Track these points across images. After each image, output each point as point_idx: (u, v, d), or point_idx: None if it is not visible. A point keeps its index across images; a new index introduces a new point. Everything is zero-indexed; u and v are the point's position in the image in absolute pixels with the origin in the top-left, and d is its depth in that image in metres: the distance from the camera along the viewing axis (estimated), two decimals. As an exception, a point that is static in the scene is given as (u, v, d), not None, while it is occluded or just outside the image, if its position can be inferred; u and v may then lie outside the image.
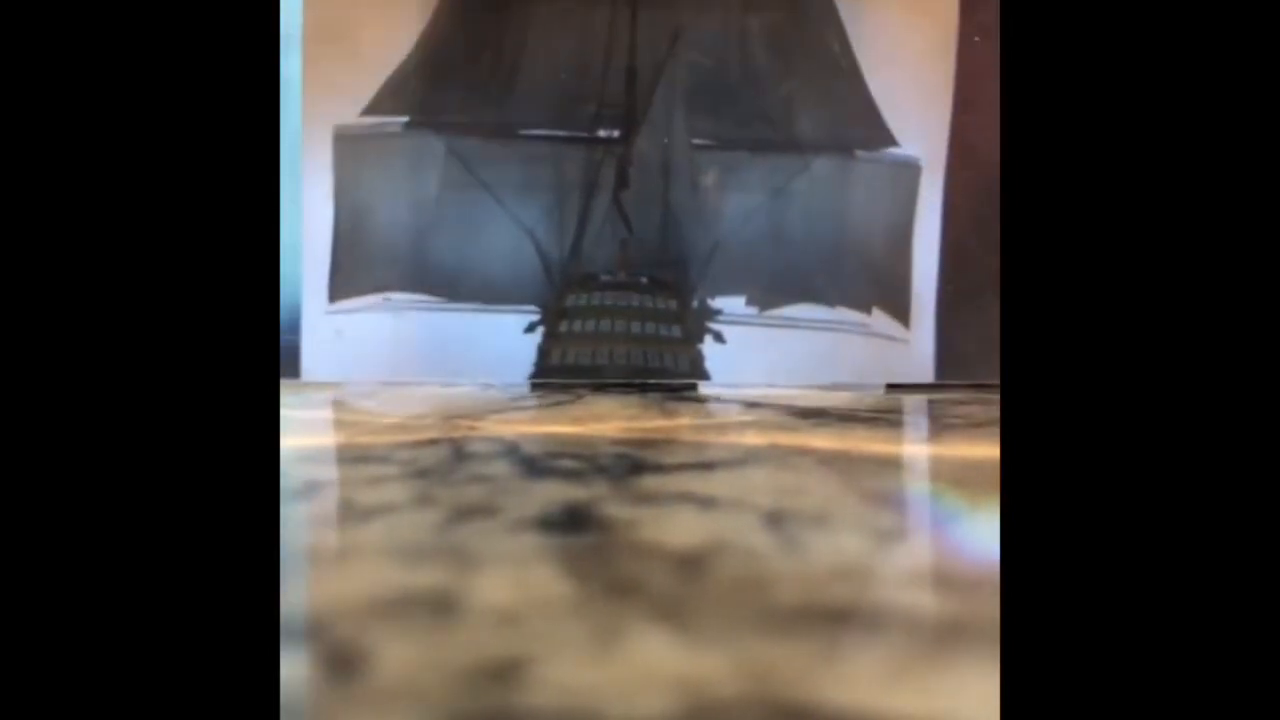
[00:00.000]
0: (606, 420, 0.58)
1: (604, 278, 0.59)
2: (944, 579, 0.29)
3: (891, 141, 0.63)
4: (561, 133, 0.58)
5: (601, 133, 0.58)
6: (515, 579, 0.28)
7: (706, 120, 0.59)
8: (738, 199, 0.60)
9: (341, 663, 0.22)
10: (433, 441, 0.50)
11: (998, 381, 0.71)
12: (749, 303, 0.62)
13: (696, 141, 0.58)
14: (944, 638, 0.24)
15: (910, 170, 0.63)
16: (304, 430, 0.54)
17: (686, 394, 0.72)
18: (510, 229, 0.60)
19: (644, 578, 0.29)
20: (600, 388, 0.72)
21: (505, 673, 0.22)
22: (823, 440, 0.52)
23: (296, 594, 0.27)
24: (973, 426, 0.57)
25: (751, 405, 0.65)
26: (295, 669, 0.22)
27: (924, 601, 0.27)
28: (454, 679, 0.22)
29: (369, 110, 0.57)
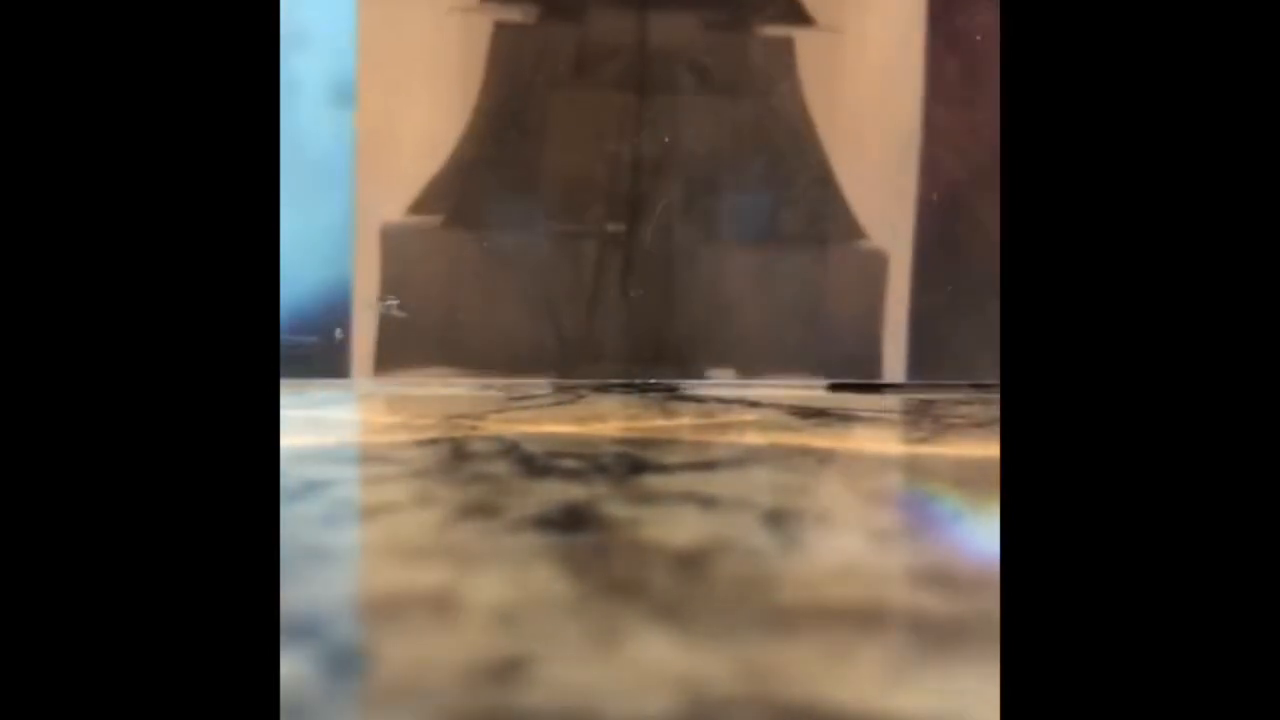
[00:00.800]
0: (608, 420, 0.58)
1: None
2: (943, 578, 0.30)
3: (861, 235, 0.67)
4: (576, 227, 0.63)
5: (610, 226, 0.63)
6: (515, 578, 0.28)
7: (700, 213, 0.63)
8: (730, 283, 0.64)
9: (341, 660, 0.23)
10: (433, 441, 0.51)
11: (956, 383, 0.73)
12: (738, 374, 0.67)
13: (693, 232, 0.63)
14: (943, 637, 0.24)
15: (879, 259, 0.67)
16: (302, 430, 0.54)
17: (687, 394, 0.72)
18: (532, 313, 0.65)
19: (645, 577, 0.29)
20: (602, 388, 0.73)
21: (505, 671, 0.22)
22: (823, 440, 0.53)
23: (295, 592, 0.27)
24: (975, 426, 0.57)
25: (752, 405, 0.66)
26: (294, 666, 0.22)
27: (923, 601, 0.27)
28: (454, 677, 0.22)
29: (412, 210, 0.64)
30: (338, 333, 0.73)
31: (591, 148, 0.62)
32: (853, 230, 0.66)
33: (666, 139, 0.61)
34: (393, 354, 0.69)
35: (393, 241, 0.65)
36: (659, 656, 0.23)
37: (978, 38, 0.61)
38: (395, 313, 0.71)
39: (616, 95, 0.59)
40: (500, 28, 0.57)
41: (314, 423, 0.57)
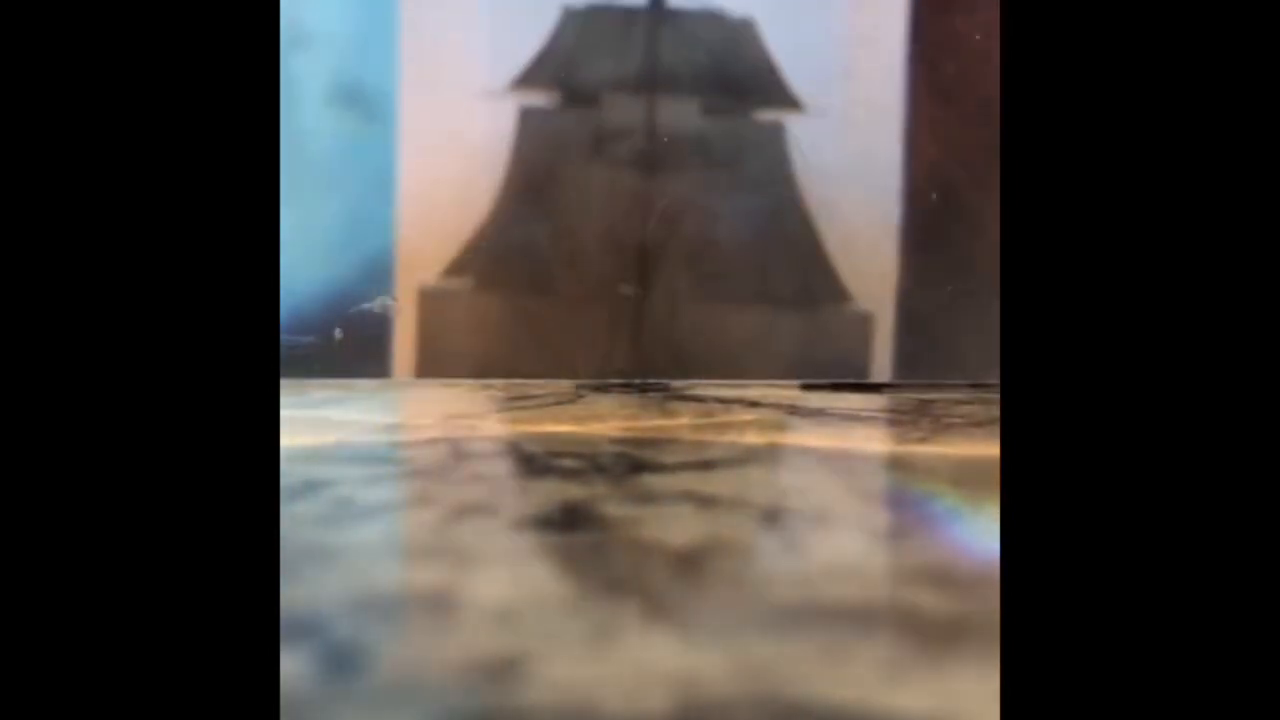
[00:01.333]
0: (606, 419, 0.58)
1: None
2: (940, 576, 0.30)
3: (847, 297, 0.70)
4: (592, 289, 0.68)
5: (623, 288, 0.67)
6: (512, 577, 0.28)
7: (701, 273, 0.66)
8: (728, 336, 0.68)
9: (339, 658, 0.23)
10: (431, 441, 0.51)
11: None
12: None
13: (694, 289, 0.66)
14: (940, 635, 0.24)
15: (865, 320, 0.69)
16: (300, 429, 0.54)
17: (686, 394, 0.72)
18: (553, 362, 0.69)
19: (642, 576, 0.29)
20: (600, 388, 0.73)
21: (502, 669, 0.22)
22: (822, 440, 0.53)
23: (293, 590, 0.27)
24: (974, 425, 0.57)
25: (751, 405, 0.66)
26: (292, 664, 0.22)
27: (920, 599, 0.27)
28: (451, 675, 0.22)
29: (447, 273, 0.69)
30: (337, 333, 0.74)
31: (606, 218, 0.66)
32: (840, 294, 0.70)
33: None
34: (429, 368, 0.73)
35: (430, 301, 0.70)
36: (655, 654, 0.23)
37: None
38: (391, 313, 0.74)
39: (628, 172, 0.64)
40: (525, 112, 0.62)
41: (317, 422, 0.57)
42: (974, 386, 0.72)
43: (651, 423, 0.57)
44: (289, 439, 0.47)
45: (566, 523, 0.35)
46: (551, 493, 0.39)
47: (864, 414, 0.61)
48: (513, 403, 0.65)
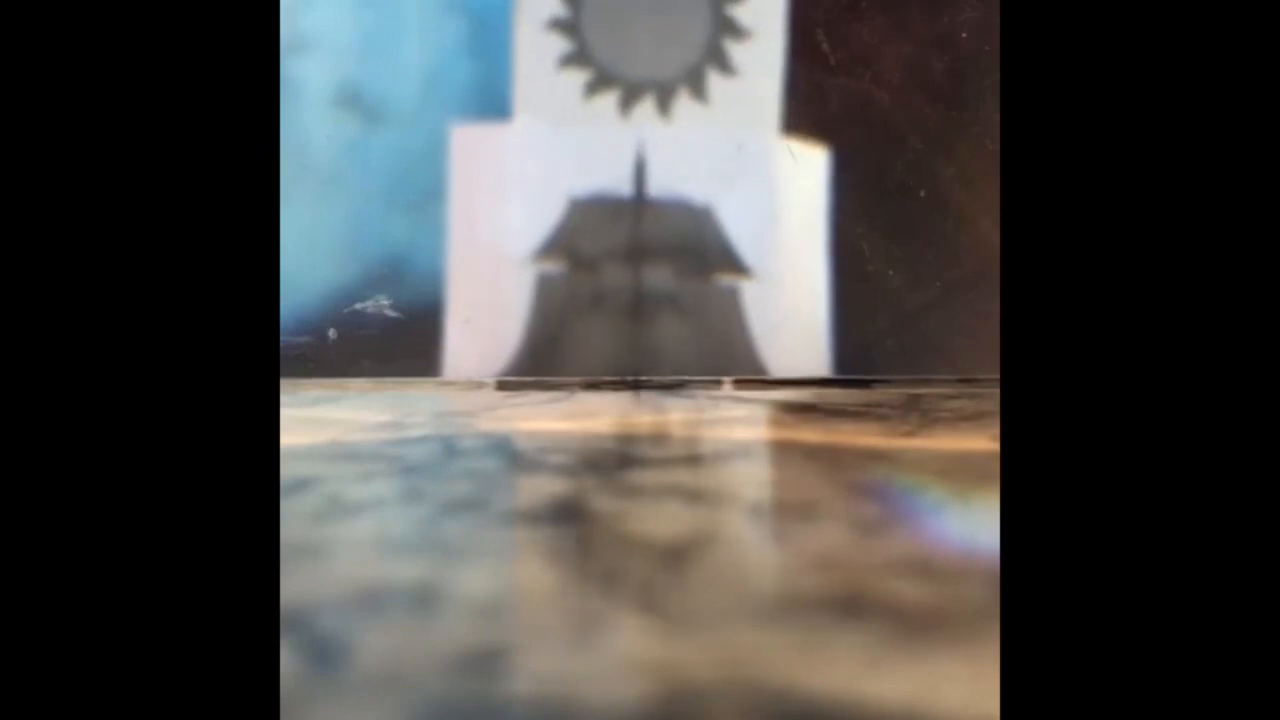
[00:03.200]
0: (598, 416, 0.58)
1: None
2: (923, 567, 0.30)
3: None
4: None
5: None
6: (501, 569, 0.28)
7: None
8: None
9: (332, 649, 0.23)
10: (424, 438, 0.51)
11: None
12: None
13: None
14: (923, 624, 0.24)
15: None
16: (297, 428, 0.54)
17: (678, 391, 0.72)
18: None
19: (627, 568, 0.29)
20: (592, 385, 0.73)
21: (488, 658, 0.22)
22: (809, 434, 0.53)
23: (289, 584, 0.27)
24: (962, 420, 0.58)
25: (740, 401, 0.66)
26: (286, 655, 0.22)
27: (902, 589, 0.27)
28: (438, 664, 0.22)
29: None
30: (331, 333, 0.78)
31: (604, 355, 0.80)
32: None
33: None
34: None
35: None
36: (638, 644, 0.23)
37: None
38: (387, 312, 0.77)
39: (619, 319, 0.80)
40: (542, 280, 0.75)
41: (320, 421, 0.57)
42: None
43: (642, 419, 0.57)
44: (289, 437, 0.47)
45: (555, 517, 0.35)
46: (541, 488, 0.39)
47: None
48: (506, 399, 0.65)
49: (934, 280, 0.86)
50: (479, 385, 0.75)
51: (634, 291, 0.75)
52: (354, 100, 0.99)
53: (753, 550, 0.31)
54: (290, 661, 0.22)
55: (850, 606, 0.26)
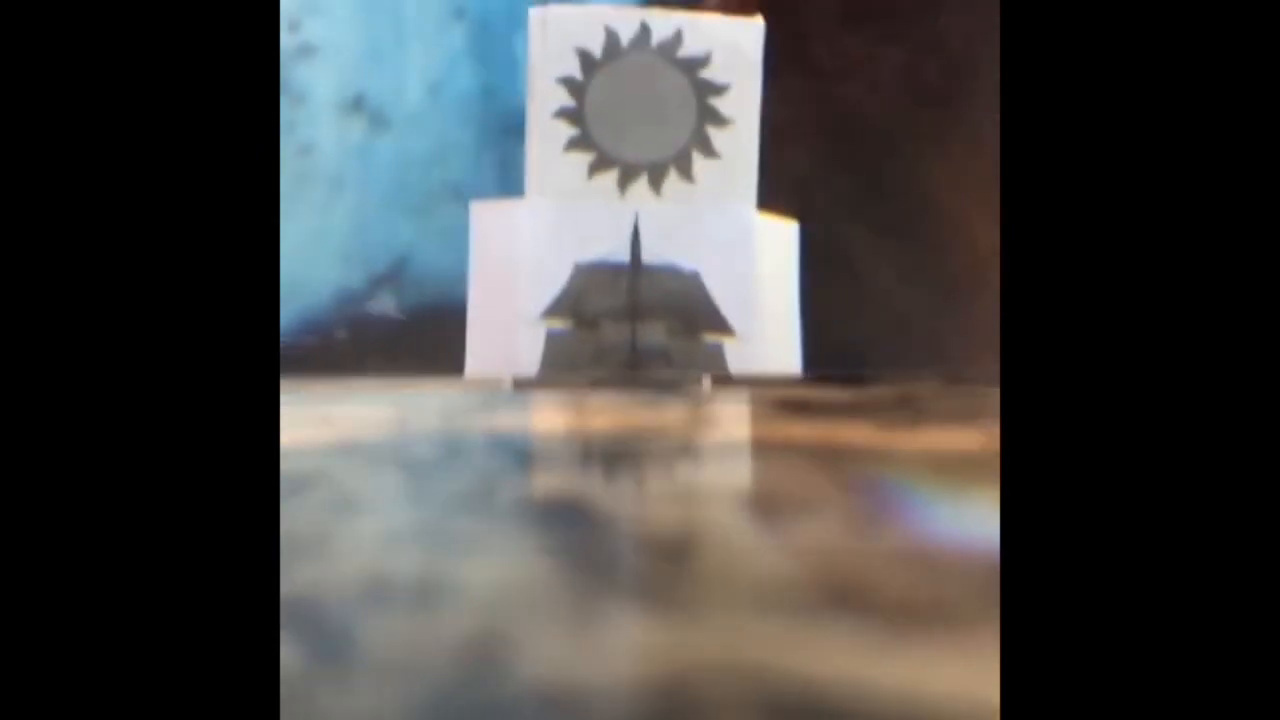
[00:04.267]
0: (598, 414, 0.59)
1: None
2: (918, 563, 0.30)
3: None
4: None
5: None
6: (502, 562, 0.29)
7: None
8: None
9: (336, 640, 0.23)
10: (425, 436, 0.51)
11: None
12: None
13: None
14: (914, 615, 0.24)
15: None
16: (296, 427, 0.54)
17: (677, 389, 0.73)
18: None
19: (627, 561, 0.29)
20: (594, 383, 0.74)
21: (492, 645, 0.23)
22: (807, 430, 0.53)
23: (289, 577, 0.27)
24: (960, 416, 0.58)
25: (740, 401, 0.66)
26: (288, 647, 0.23)
27: (897, 583, 0.27)
28: (442, 652, 0.22)
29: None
30: (338, 333, 0.85)
31: None
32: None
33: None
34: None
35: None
36: (638, 632, 0.23)
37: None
38: (391, 313, 0.81)
39: (619, 371, 0.86)
40: (550, 336, 0.80)
41: (320, 420, 0.57)
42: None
43: (642, 417, 0.58)
44: (290, 435, 0.47)
45: (555, 512, 0.35)
46: (540, 485, 0.39)
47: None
48: (506, 398, 0.66)
49: (924, 281, 0.89)
50: (494, 384, 0.78)
51: (630, 347, 0.82)
52: (359, 105, 1.00)
53: (751, 543, 0.32)
54: (295, 649, 0.23)
55: (847, 597, 0.26)
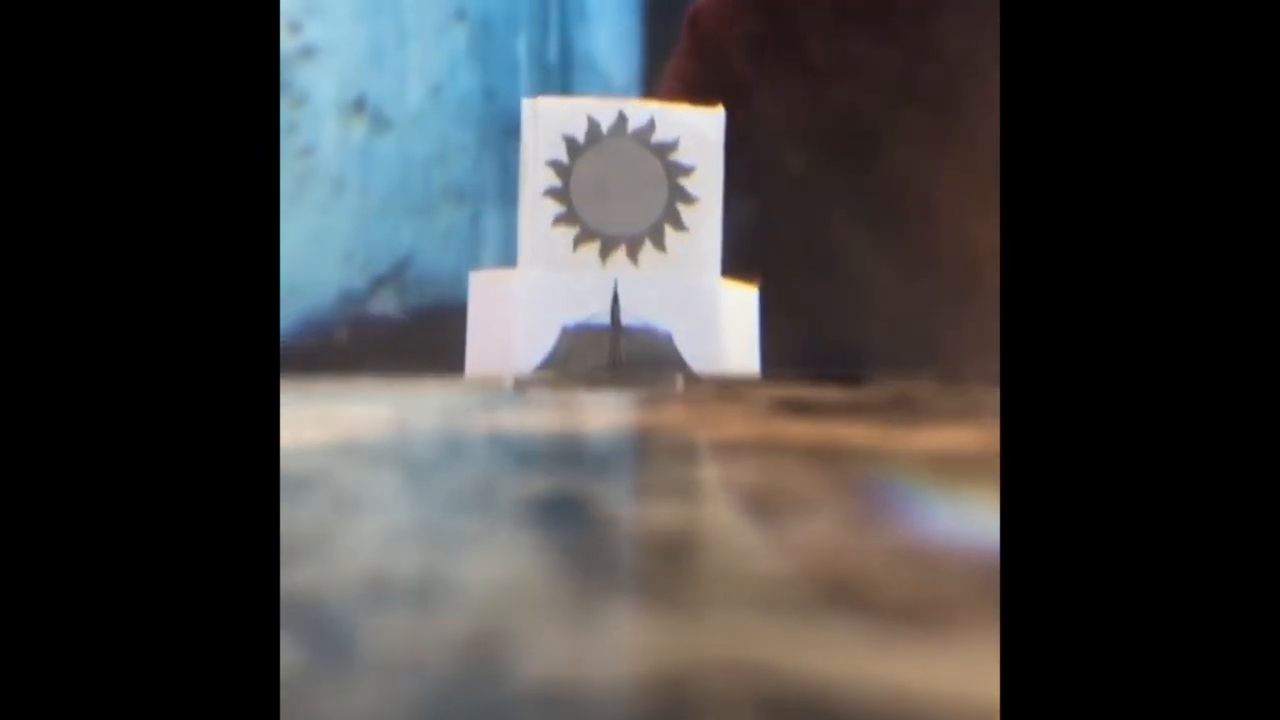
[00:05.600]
0: (598, 414, 0.59)
1: None
2: (918, 562, 0.30)
3: None
4: None
5: None
6: (500, 560, 0.29)
7: None
8: None
9: (336, 640, 0.23)
10: (425, 436, 0.51)
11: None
12: None
13: None
14: (914, 614, 0.25)
15: None
16: (296, 427, 0.54)
17: (675, 387, 0.73)
18: None
19: (625, 559, 0.30)
20: (591, 382, 0.74)
21: (492, 644, 0.23)
22: (805, 430, 0.53)
23: (289, 577, 0.27)
24: (957, 416, 0.58)
25: (738, 399, 0.66)
26: (288, 647, 0.23)
27: (897, 583, 0.28)
28: (442, 651, 0.23)
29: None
30: (338, 334, 0.83)
31: None
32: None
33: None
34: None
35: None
36: (636, 629, 0.23)
37: None
38: (393, 314, 0.82)
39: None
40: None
41: (320, 420, 0.57)
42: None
43: (640, 416, 0.58)
44: (290, 435, 0.47)
45: (553, 511, 0.35)
46: (538, 483, 0.39)
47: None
48: (504, 397, 0.66)
49: (923, 281, 0.90)
50: (496, 383, 0.80)
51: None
52: (360, 107, 1.01)
53: (750, 542, 0.32)
54: (295, 649, 0.23)
55: (846, 596, 0.26)
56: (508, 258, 0.85)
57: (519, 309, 0.83)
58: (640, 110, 0.78)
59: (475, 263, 1.06)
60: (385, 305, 1.01)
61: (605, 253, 0.77)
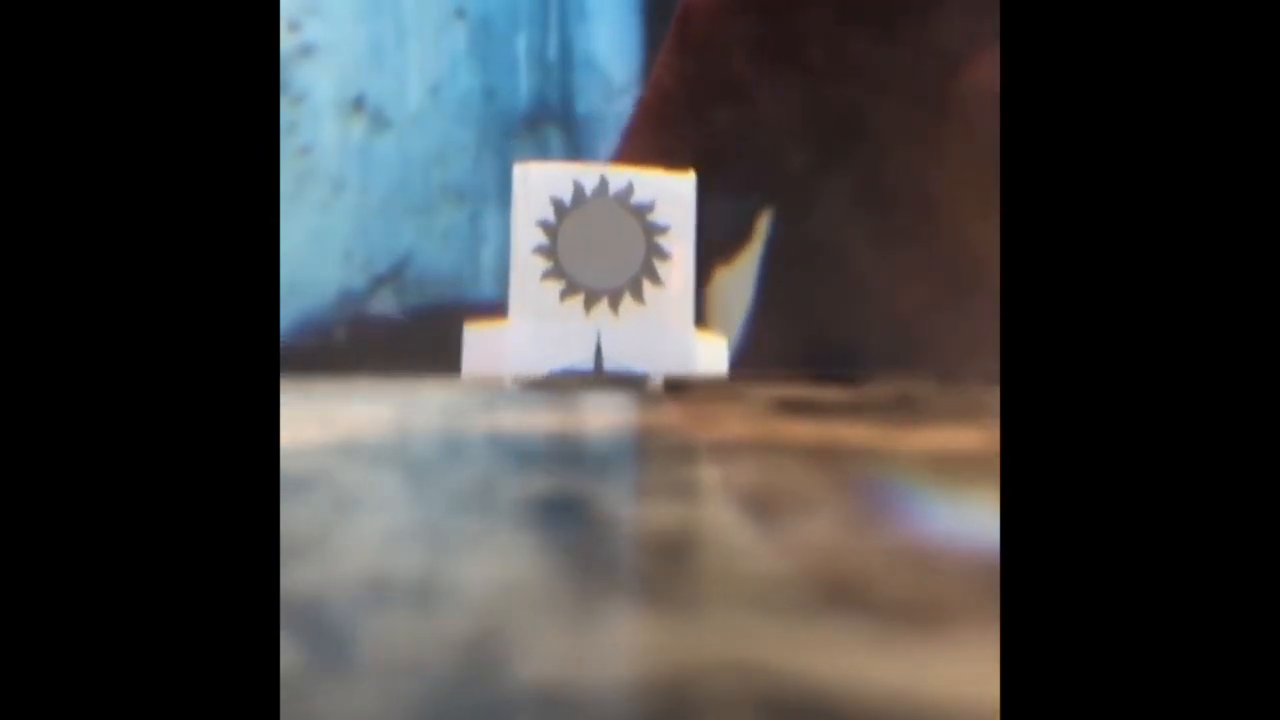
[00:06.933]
0: (597, 414, 0.59)
1: None
2: (917, 562, 0.30)
3: None
4: None
5: None
6: (500, 560, 0.29)
7: None
8: None
9: (336, 640, 0.23)
10: (425, 436, 0.51)
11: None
12: None
13: None
14: (913, 615, 0.25)
15: None
16: (296, 427, 0.54)
17: (674, 387, 0.73)
18: None
19: (625, 559, 0.30)
20: (590, 382, 0.74)
21: (492, 645, 0.23)
22: (805, 430, 0.53)
23: (289, 577, 0.27)
24: (959, 416, 0.58)
25: (738, 399, 0.66)
26: (288, 647, 0.23)
27: (896, 583, 0.28)
28: (442, 651, 0.23)
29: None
30: (337, 333, 0.90)
31: None
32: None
33: None
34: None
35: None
36: (636, 630, 0.23)
37: None
38: (393, 313, 0.83)
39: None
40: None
41: (321, 420, 0.57)
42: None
43: (639, 416, 0.58)
44: (290, 435, 0.47)
45: (552, 511, 0.35)
46: (538, 484, 0.39)
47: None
48: (504, 398, 0.67)
49: (923, 281, 0.90)
50: (494, 383, 0.81)
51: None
52: (360, 106, 1.01)
53: (750, 542, 0.32)
54: (295, 649, 0.23)
55: (846, 596, 0.26)
56: (508, 257, 0.86)
57: (509, 357, 0.87)
58: (620, 175, 0.86)
59: (475, 262, 1.05)
60: (385, 305, 1.01)
61: (589, 305, 0.83)
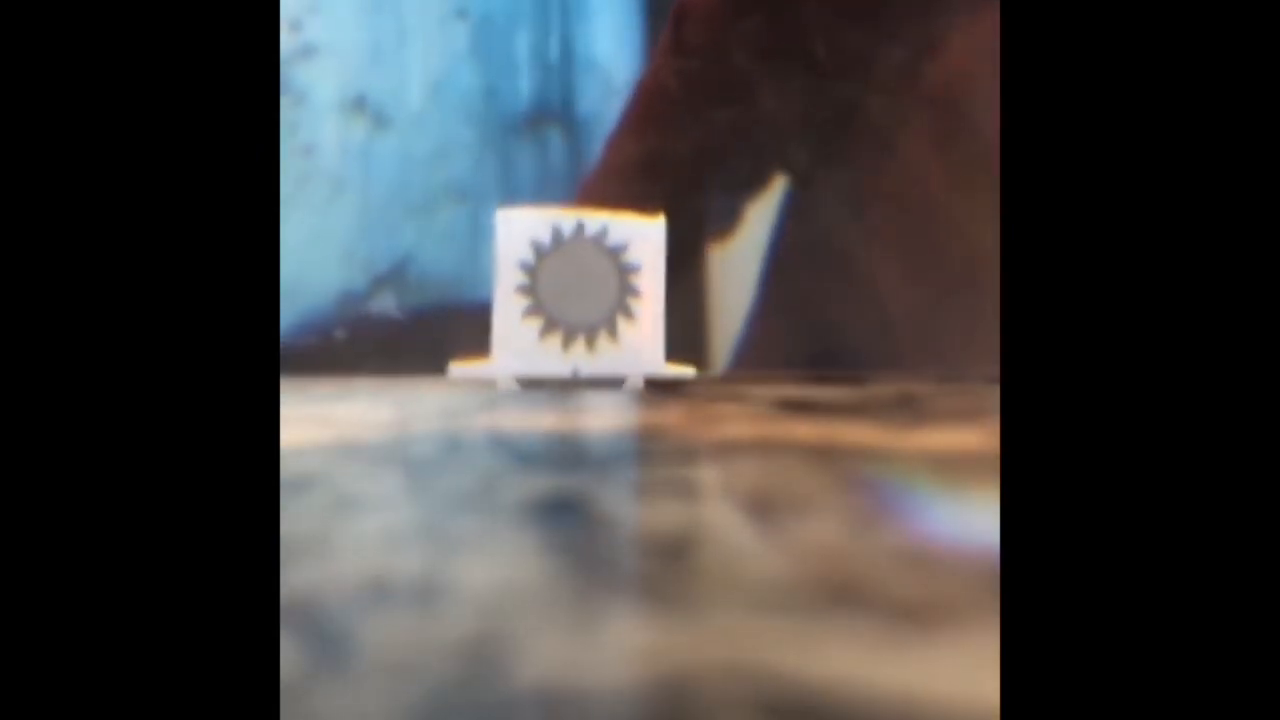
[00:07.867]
0: (597, 414, 0.59)
1: None
2: (918, 562, 0.30)
3: None
4: None
5: None
6: (501, 561, 0.29)
7: None
8: None
9: (336, 640, 0.23)
10: (425, 436, 0.51)
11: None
12: None
13: None
14: (914, 614, 0.25)
15: None
16: (296, 427, 0.54)
17: (673, 387, 0.73)
18: None
19: (625, 559, 0.30)
20: (589, 383, 0.75)
21: (491, 644, 0.23)
22: (807, 429, 0.53)
23: (290, 577, 0.27)
24: (959, 416, 0.58)
25: (739, 399, 0.66)
26: (288, 647, 0.23)
27: (897, 582, 0.27)
28: (442, 651, 0.23)
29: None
30: (338, 333, 0.92)
31: None
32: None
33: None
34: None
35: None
36: (637, 631, 0.23)
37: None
38: (393, 313, 0.84)
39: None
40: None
41: (320, 420, 0.57)
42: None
43: (640, 416, 0.58)
44: (290, 435, 0.47)
45: (554, 511, 0.35)
46: (540, 484, 0.39)
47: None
48: (504, 398, 0.67)
49: (924, 281, 0.90)
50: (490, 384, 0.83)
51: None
52: (361, 105, 1.01)
53: (751, 542, 0.32)
54: (295, 648, 0.23)
55: (847, 596, 0.26)
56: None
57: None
58: (595, 220, 0.92)
59: (475, 261, 1.05)
60: (385, 305, 1.02)
61: (567, 341, 0.89)
